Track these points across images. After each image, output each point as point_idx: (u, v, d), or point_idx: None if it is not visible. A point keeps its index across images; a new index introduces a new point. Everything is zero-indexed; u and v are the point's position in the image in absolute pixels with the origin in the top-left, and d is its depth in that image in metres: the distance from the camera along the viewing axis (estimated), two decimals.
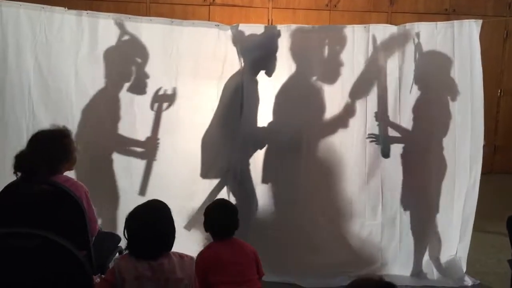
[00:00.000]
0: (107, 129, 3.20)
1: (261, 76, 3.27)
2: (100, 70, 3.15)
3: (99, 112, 3.18)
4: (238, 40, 3.20)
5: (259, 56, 3.22)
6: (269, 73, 3.26)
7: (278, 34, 3.22)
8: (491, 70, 5.38)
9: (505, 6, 6.49)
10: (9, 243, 1.66)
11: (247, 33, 3.22)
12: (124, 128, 3.21)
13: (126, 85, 3.19)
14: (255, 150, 3.32)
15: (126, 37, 3.15)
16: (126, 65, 3.20)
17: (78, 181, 2.48)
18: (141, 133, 3.24)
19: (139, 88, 3.20)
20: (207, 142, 3.27)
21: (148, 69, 3.21)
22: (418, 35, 3.19)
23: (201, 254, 2.36)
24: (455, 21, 3.25)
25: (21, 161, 2.26)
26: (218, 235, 2.41)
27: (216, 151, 3.30)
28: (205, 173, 3.30)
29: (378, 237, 3.38)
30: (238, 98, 3.21)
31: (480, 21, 3.19)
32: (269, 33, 3.26)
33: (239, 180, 3.27)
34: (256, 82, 3.26)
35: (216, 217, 2.42)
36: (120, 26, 3.13)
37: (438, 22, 3.24)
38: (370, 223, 3.37)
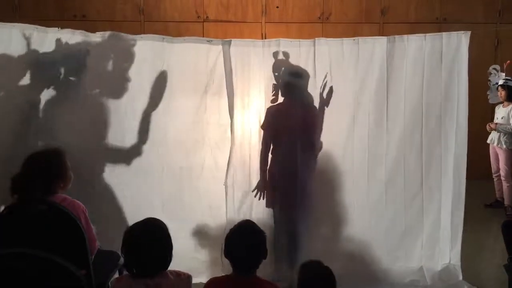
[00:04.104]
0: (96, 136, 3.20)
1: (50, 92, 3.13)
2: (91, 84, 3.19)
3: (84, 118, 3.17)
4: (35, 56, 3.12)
5: (54, 72, 3.12)
6: (57, 89, 3.13)
7: (86, 53, 3.14)
8: (483, 78, 5.40)
9: (495, 14, 6.56)
10: (9, 264, 1.68)
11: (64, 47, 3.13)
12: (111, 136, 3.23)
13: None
14: None
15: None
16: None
17: (75, 200, 2.49)
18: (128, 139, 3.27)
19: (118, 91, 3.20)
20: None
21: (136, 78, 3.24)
22: (286, 54, 3.25)
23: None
24: (443, 33, 3.30)
25: (17, 183, 2.28)
26: (235, 267, 2.11)
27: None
28: None
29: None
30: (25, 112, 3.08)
31: (468, 33, 3.24)
32: (75, 51, 3.15)
33: None
34: (38, 98, 3.11)
35: (235, 245, 2.10)
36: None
37: (427, 34, 3.29)
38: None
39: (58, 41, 3.12)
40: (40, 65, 3.11)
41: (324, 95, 3.29)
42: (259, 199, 3.32)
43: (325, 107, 3.31)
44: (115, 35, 3.21)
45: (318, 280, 2.08)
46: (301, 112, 3.26)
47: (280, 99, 3.30)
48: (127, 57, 3.22)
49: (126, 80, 3.22)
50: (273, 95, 3.30)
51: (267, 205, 3.34)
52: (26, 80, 3.11)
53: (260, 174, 3.32)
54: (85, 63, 3.15)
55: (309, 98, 3.30)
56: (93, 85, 3.21)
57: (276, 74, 3.28)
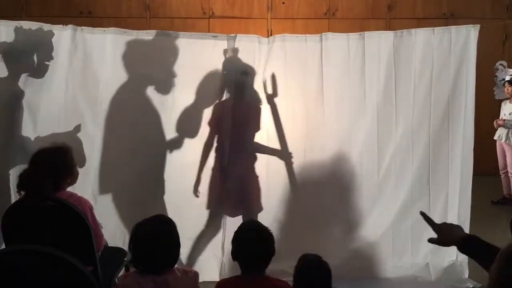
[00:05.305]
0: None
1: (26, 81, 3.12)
2: (91, 81, 3.20)
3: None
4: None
5: (26, 60, 3.10)
6: (35, 76, 3.11)
7: (51, 35, 3.10)
8: (491, 73, 5.36)
9: (503, 9, 6.51)
10: (15, 260, 1.68)
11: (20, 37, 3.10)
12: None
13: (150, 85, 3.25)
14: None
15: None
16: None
17: (82, 197, 2.50)
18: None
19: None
20: None
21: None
22: (235, 50, 3.21)
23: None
24: (452, 26, 3.28)
25: (25, 180, 2.28)
26: (246, 268, 2.07)
27: None
28: None
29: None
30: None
31: (477, 26, 3.21)
32: (42, 37, 3.11)
33: None
34: (19, 88, 3.10)
35: (242, 246, 2.06)
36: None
37: (435, 28, 3.27)
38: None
39: (18, 29, 3.09)
40: (13, 55, 3.09)
41: (269, 86, 3.25)
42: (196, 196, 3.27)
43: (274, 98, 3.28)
44: (162, 33, 3.25)
45: (315, 271, 2.07)
46: (245, 110, 3.21)
47: (226, 96, 3.26)
48: (173, 53, 3.23)
49: (173, 75, 3.24)
50: (220, 93, 3.26)
51: (207, 207, 3.29)
52: (3, 73, 3.10)
53: (198, 170, 3.27)
54: (52, 45, 3.12)
55: (255, 95, 3.25)
56: (143, 82, 3.24)
57: (225, 72, 3.24)
